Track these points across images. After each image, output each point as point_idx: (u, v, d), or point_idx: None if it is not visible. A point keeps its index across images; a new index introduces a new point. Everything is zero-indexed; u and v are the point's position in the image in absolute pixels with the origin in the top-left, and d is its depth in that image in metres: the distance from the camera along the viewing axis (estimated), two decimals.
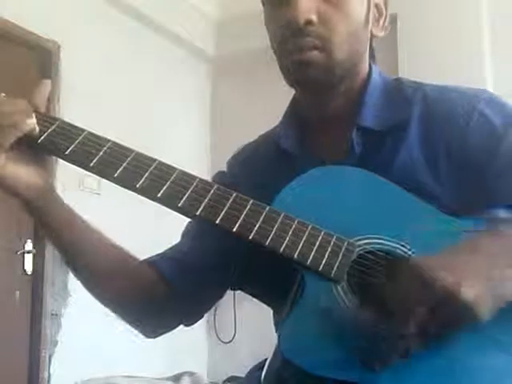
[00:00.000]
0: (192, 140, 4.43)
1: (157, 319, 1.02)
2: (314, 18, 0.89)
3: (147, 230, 3.62)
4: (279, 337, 0.83)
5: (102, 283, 0.97)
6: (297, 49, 0.91)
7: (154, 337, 1.05)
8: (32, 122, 0.84)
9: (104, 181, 0.87)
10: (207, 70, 4.63)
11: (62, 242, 0.92)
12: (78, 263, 0.95)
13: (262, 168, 1.02)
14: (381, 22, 0.99)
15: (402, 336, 0.72)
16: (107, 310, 1.00)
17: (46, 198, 0.89)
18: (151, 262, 1.00)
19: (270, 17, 0.96)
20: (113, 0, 3.77)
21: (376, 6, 0.98)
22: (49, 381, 3.26)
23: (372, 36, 0.99)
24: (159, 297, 0.99)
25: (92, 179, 3.17)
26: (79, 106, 3.29)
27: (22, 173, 0.86)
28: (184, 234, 1.05)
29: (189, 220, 1.00)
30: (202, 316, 1.05)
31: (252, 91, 4.28)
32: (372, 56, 1.02)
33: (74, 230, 0.92)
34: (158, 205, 0.86)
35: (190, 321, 1.04)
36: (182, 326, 1.05)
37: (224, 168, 1.11)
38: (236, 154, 1.11)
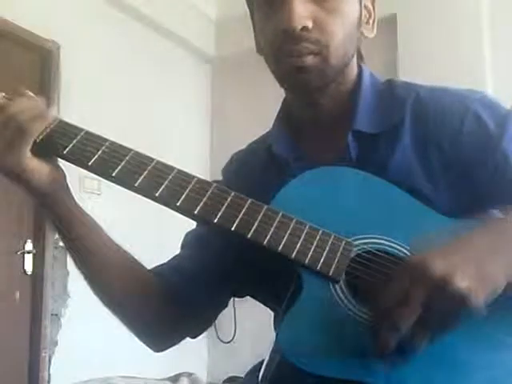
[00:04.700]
0: (192, 140, 4.43)
1: (162, 330, 1.01)
2: (309, 23, 0.88)
3: (148, 230, 3.62)
4: (277, 336, 0.83)
5: (111, 284, 0.95)
6: (293, 54, 0.90)
7: (161, 350, 1.04)
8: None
9: (104, 181, 0.87)
10: (207, 70, 4.63)
11: (72, 238, 0.91)
12: (87, 261, 0.93)
13: (256, 175, 1.02)
14: (370, 22, 0.99)
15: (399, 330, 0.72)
16: (107, 311, 1.00)
17: (58, 193, 0.89)
18: (156, 272, 1.00)
19: (261, 22, 0.95)
20: (113, 0, 3.77)
21: (365, 6, 0.98)
22: (49, 381, 3.26)
23: (362, 37, 0.98)
24: (165, 306, 0.98)
25: (92, 180, 3.17)
26: (79, 106, 3.29)
27: (38, 167, 0.86)
28: (183, 245, 1.05)
29: (187, 220, 1.00)
30: (208, 326, 1.05)
31: (252, 91, 4.28)
32: (360, 56, 1.02)
33: (84, 227, 0.92)
34: (159, 206, 0.86)
35: (195, 332, 1.04)
36: None
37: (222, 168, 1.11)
38: (228, 163, 1.10)
